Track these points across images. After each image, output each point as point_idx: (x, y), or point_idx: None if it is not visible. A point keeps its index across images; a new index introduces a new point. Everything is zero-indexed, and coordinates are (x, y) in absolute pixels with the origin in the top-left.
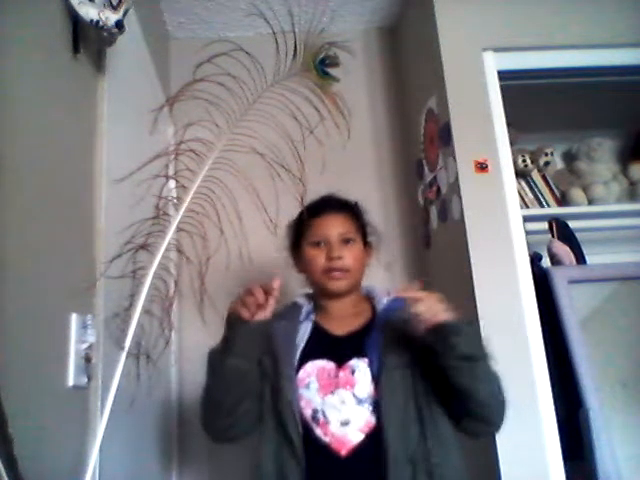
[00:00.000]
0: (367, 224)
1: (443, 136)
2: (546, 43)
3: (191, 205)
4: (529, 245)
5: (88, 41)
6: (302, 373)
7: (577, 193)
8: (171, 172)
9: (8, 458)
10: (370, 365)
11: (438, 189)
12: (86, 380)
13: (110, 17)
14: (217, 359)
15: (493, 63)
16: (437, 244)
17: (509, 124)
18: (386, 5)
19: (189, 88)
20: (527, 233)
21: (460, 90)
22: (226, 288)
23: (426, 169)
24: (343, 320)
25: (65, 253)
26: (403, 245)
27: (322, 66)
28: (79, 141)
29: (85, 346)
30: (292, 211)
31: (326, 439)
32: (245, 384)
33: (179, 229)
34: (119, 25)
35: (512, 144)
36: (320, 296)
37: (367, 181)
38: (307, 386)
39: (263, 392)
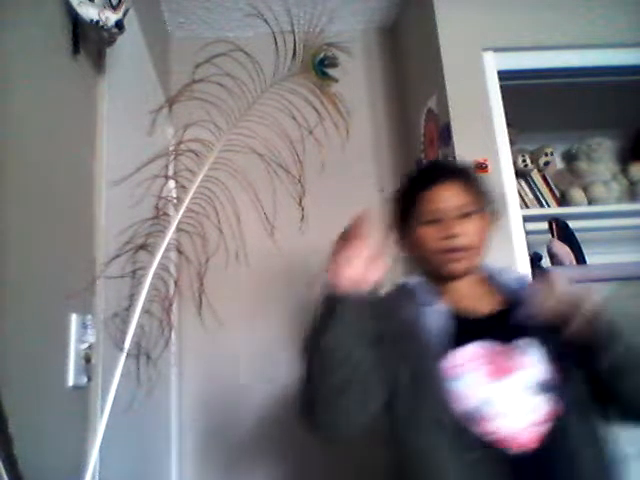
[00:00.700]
0: (486, 190)
1: (443, 136)
2: (546, 43)
3: (191, 205)
4: (529, 245)
5: (88, 41)
6: (452, 363)
7: (577, 193)
8: (171, 172)
9: (8, 458)
10: (543, 346)
11: None
12: (86, 380)
13: (110, 17)
14: (316, 337)
15: (493, 63)
16: None
17: (509, 124)
18: (386, 5)
19: (189, 88)
20: (527, 233)
21: (460, 90)
22: (226, 288)
23: None
24: (476, 300)
25: (65, 253)
26: None
27: (321, 66)
28: (79, 141)
29: (85, 346)
30: (292, 211)
31: (492, 436)
32: (350, 367)
33: (179, 229)
34: (119, 25)
35: (512, 144)
36: (437, 279)
37: (367, 181)
38: (460, 376)
39: (394, 386)
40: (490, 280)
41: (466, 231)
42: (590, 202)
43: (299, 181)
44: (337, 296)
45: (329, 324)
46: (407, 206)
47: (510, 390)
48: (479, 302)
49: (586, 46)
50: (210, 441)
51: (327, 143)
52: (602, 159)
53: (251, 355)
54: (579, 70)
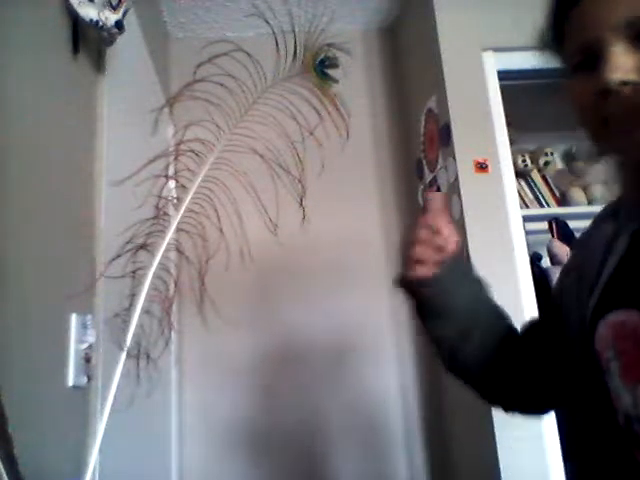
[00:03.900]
0: None
1: (443, 136)
2: None
3: (191, 205)
4: (529, 245)
5: (88, 41)
6: (600, 343)
7: (577, 193)
8: (171, 172)
9: (8, 458)
10: None
11: (438, 189)
12: (86, 380)
13: (110, 17)
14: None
15: (493, 63)
16: None
17: (509, 124)
18: (386, 6)
19: (189, 88)
20: (527, 233)
21: (460, 90)
22: (226, 288)
23: (426, 169)
24: None
25: (65, 253)
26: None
27: (321, 67)
28: (79, 141)
29: (85, 346)
30: (292, 211)
31: None
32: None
33: (179, 229)
34: (119, 25)
35: (512, 144)
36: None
37: (367, 181)
38: (608, 369)
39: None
40: None
41: None
42: (590, 202)
43: (299, 181)
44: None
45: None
46: (559, 41)
47: None
48: None
49: None
50: (210, 441)
51: (327, 143)
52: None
53: (251, 355)
54: None
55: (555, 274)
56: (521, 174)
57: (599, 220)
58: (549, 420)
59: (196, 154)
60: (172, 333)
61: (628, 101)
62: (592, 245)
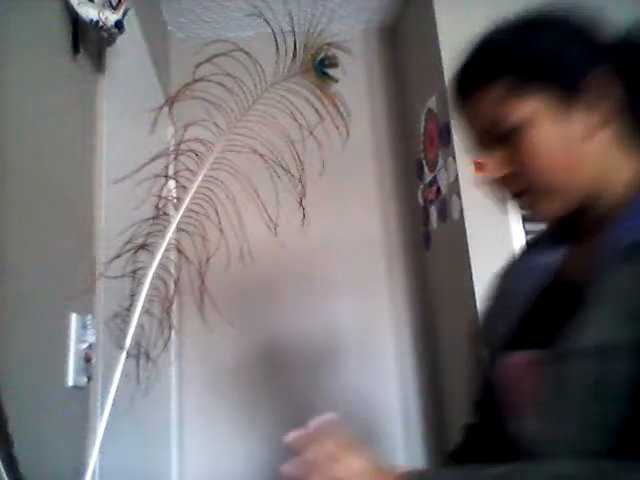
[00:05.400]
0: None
1: (443, 136)
2: None
3: (191, 205)
4: None
5: (88, 41)
6: (500, 378)
7: None
8: (171, 172)
9: (8, 458)
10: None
11: (438, 189)
12: (86, 380)
13: (110, 17)
14: None
15: None
16: (437, 244)
17: None
18: (386, 5)
19: (189, 88)
20: (527, 233)
21: None
22: (226, 288)
23: (426, 169)
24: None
25: (65, 253)
26: (403, 245)
27: (321, 67)
28: (79, 141)
29: (85, 346)
30: (292, 211)
31: None
32: None
33: (179, 229)
34: (119, 25)
35: None
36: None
37: (367, 181)
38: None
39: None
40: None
41: (510, 162)
42: None
43: (299, 181)
44: None
45: None
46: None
47: None
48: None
49: None
50: (210, 441)
51: (327, 143)
52: None
53: (251, 355)
54: None
55: None
56: None
57: (526, 250)
58: None
59: (196, 154)
60: (172, 333)
61: (511, 189)
62: (514, 277)
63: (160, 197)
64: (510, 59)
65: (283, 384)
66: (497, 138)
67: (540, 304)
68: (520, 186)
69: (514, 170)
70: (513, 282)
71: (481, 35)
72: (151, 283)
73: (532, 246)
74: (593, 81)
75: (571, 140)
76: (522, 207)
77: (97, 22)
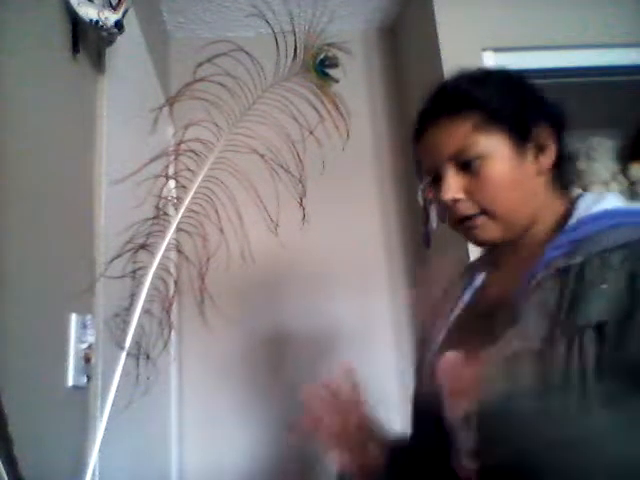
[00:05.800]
0: (515, 106)
1: None
2: (546, 43)
3: (191, 205)
4: None
5: (87, 41)
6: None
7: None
8: (171, 172)
9: (8, 458)
10: None
11: None
12: (86, 380)
13: (109, 17)
14: None
15: (493, 63)
16: (437, 244)
17: None
18: (386, 5)
19: (189, 88)
20: None
21: None
22: (226, 288)
23: None
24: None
25: (65, 253)
26: (403, 245)
27: (321, 67)
28: (79, 141)
29: (85, 346)
30: (293, 211)
31: None
32: None
33: (179, 229)
34: (118, 25)
35: None
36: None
37: (367, 181)
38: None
39: None
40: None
41: (469, 189)
42: None
43: (300, 181)
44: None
45: None
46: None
47: None
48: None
49: (586, 46)
50: (210, 441)
51: (327, 143)
52: (602, 159)
53: (251, 355)
54: (579, 70)
55: None
56: None
57: (463, 272)
58: None
59: (196, 154)
60: (172, 333)
61: (462, 211)
62: (451, 295)
63: (160, 197)
64: (477, 101)
65: (283, 384)
66: (459, 165)
67: (464, 319)
68: (472, 210)
69: (469, 196)
70: (451, 300)
71: (448, 79)
72: (151, 283)
73: (469, 269)
74: (540, 133)
75: (524, 176)
76: (465, 230)
77: (97, 22)
